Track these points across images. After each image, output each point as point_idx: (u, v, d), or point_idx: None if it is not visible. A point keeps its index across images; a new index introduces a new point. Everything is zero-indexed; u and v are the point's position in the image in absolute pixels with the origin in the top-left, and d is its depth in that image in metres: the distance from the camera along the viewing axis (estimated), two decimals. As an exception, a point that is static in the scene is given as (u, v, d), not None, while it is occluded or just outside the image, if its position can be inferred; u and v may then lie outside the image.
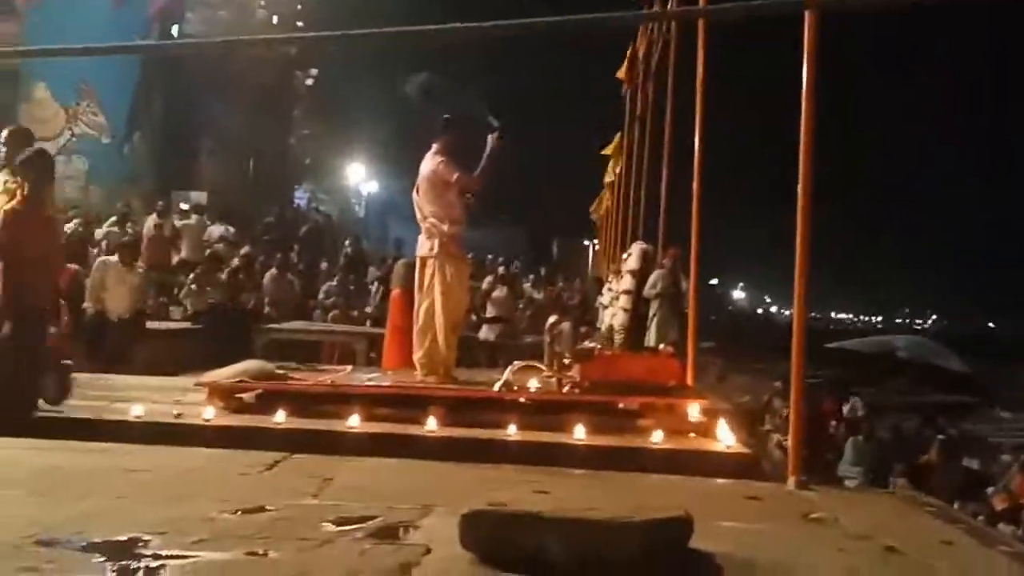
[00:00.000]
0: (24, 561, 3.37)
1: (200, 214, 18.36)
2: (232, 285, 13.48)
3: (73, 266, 10.96)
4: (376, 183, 50.68)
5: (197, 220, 17.70)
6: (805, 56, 5.57)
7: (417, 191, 8.16)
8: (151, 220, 16.56)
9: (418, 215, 8.20)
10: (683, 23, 9.85)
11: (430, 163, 8.04)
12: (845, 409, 16.13)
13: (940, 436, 13.02)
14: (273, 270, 15.40)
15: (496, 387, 7.36)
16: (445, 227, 7.93)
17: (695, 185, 8.49)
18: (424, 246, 8.09)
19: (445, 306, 7.89)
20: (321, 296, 16.60)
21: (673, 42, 10.82)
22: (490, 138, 8.05)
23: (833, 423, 15.30)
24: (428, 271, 8.02)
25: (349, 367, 10.36)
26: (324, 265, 20.05)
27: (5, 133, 7.69)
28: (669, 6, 11.19)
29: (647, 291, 7.90)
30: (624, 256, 9.43)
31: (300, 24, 37.63)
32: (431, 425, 6.58)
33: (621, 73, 15.89)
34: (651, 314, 7.91)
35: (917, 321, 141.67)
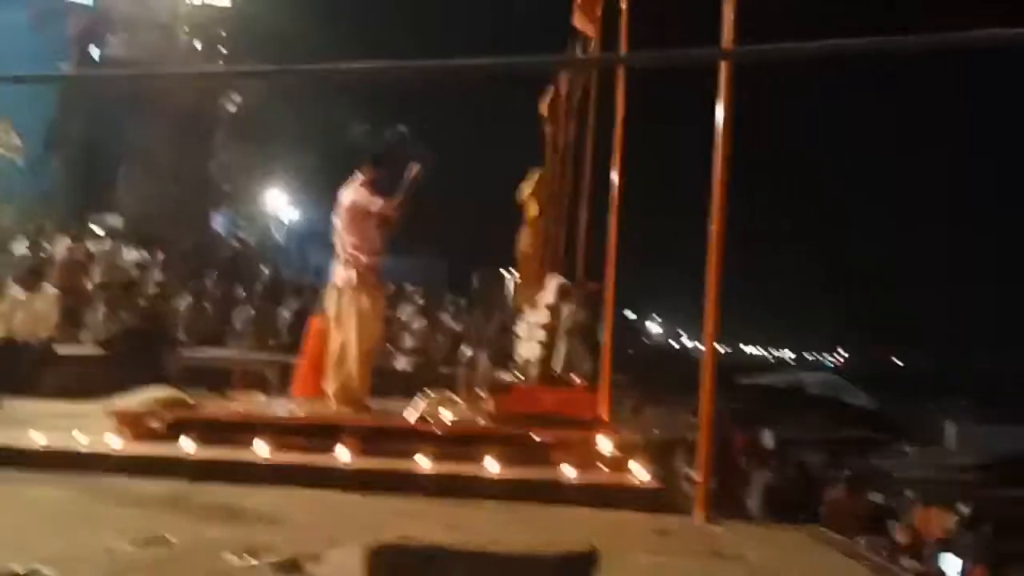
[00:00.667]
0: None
1: (114, 238, 18.05)
2: (150, 310, 13.28)
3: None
4: (297, 211, 50.34)
5: (112, 244, 17.40)
6: (721, 102, 5.70)
7: (337, 220, 8.14)
8: (64, 244, 16.24)
9: (337, 244, 8.17)
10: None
11: (351, 193, 8.03)
12: (759, 441, 16.36)
13: (847, 471, 13.26)
14: (189, 297, 15.18)
15: (411, 418, 7.34)
16: (363, 258, 7.91)
17: (613, 219, 8.59)
18: (340, 275, 8.06)
19: (359, 336, 7.85)
20: (236, 324, 16.38)
21: (594, 80, 10.96)
22: (410, 166, 8.07)
23: (744, 458, 15.49)
24: (344, 300, 7.98)
25: (261, 395, 10.25)
26: (241, 292, 19.80)
27: None
28: (591, 48, 11.34)
29: (562, 324, 7.97)
30: (541, 290, 9.49)
31: (223, 50, 37.38)
32: (343, 455, 6.55)
33: (543, 108, 16.02)
34: (564, 347, 7.94)
35: (825, 354, 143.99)
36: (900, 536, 11.00)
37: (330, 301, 8.16)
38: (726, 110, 5.71)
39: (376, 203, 7.90)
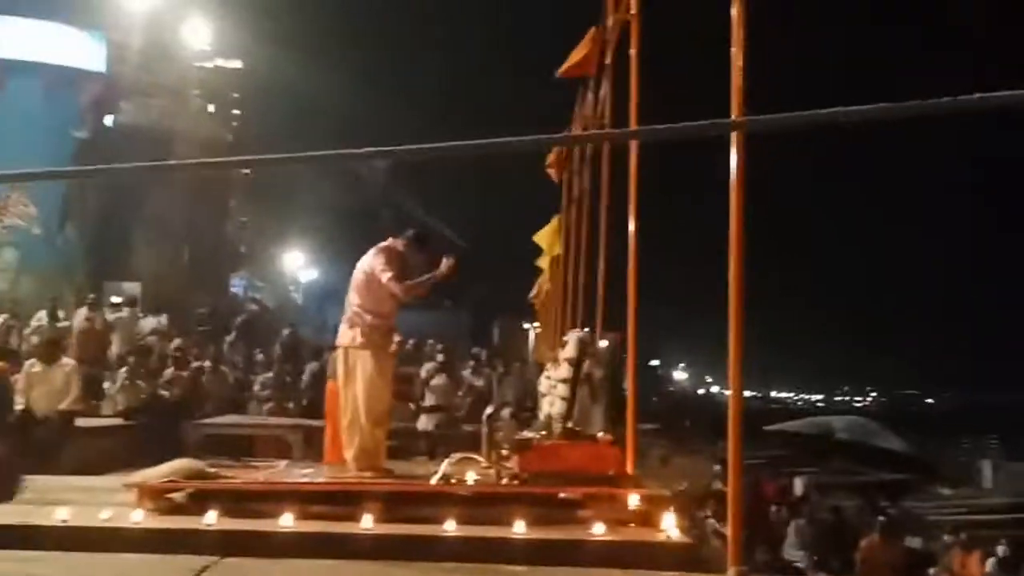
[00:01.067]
0: None
1: (132, 306, 18.08)
2: (169, 379, 13.25)
3: (1, 363, 10.69)
4: (315, 270, 50.56)
5: (129, 313, 17.43)
6: (734, 168, 5.61)
7: (355, 293, 8.09)
8: (82, 313, 16.28)
9: (346, 304, 8.13)
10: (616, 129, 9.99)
11: (370, 259, 7.98)
12: (794, 488, 16.18)
13: (881, 517, 13.04)
14: (207, 363, 15.15)
15: (433, 480, 7.25)
16: (368, 318, 7.85)
17: (631, 267, 8.52)
18: (346, 335, 7.96)
19: (367, 399, 7.76)
20: (256, 388, 16.33)
21: (608, 126, 10.95)
22: (444, 261, 8.05)
23: (775, 507, 15.31)
24: (350, 361, 7.91)
25: (284, 462, 10.16)
26: (259, 356, 19.78)
27: None
28: (601, 94, 11.36)
29: (583, 378, 7.88)
30: (561, 344, 9.41)
31: (237, 112, 37.77)
32: (366, 522, 6.44)
33: (552, 166, 16.11)
34: (586, 401, 7.84)
35: (857, 398, 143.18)
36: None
37: (338, 363, 8.09)
38: (739, 174, 5.62)
39: (389, 278, 7.81)
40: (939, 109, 2.20)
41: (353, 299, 7.97)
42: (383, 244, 8.06)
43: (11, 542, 5.99)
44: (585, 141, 11.02)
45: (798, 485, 16.28)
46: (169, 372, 13.65)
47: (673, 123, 2.61)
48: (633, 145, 8.70)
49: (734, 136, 5.52)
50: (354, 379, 7.83)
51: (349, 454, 7.85)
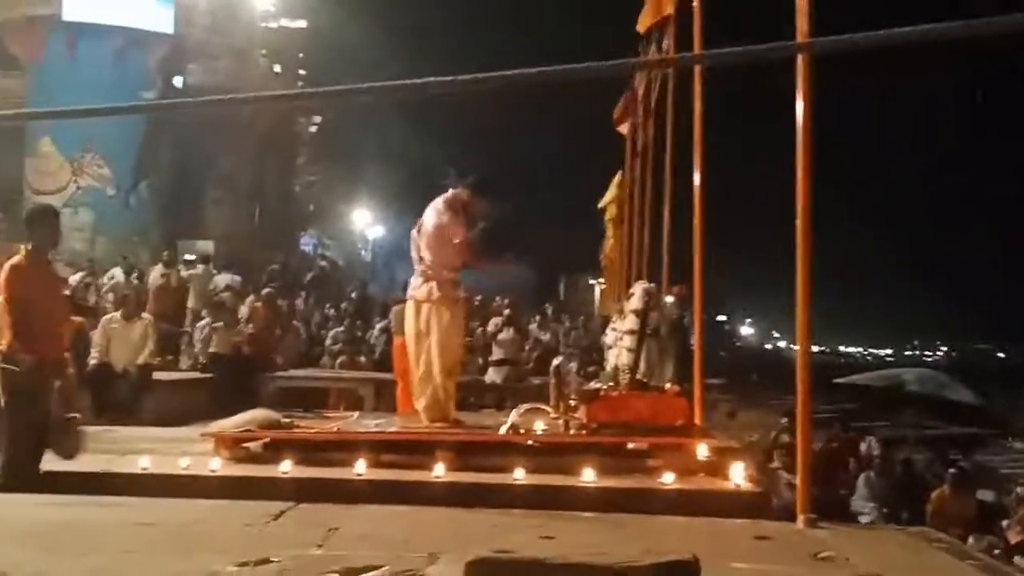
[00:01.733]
0: (28, 620, 3.35)
1: (206, 263, 18.38)
2: (243, 334, 13.50)
3: (78, 319, 10.98)
4: (382, 227, 50.85)
5: (203, 270, 17.73)
6: (800, 96, 5.60)
7: (418, 232, 8.15)
8: (157, 271, 16.61)
9: (414, 256, 8.19)
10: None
11: (437, 215, 7.98)
12: (862, 447, 16.05)
13: (952, 469, 12.89)
14: (280, 318, 15.38)
15: (502, 430, 7.33)
16: (440, 271, 7.90)
17: (697, 221, 8.50)
18: (418, 289, 8.02)
19: (440, 351, 7.83)
20: (328, 343, 16.59)
21: (672, 80, 10.88)
22: (510, 259, 8.06)
23: (845, 460, 15.22)
24: (423, 315, 7.99)
25: (356, 414, 10.34)
26: (331, 311, 20.06)
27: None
28: (664, 46, 11.26)
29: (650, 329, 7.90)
30: (627, 296, 9.43)
31: (303, 72, 37.92)
32: (438, 471, 6.56)
33: (620, 120, 15.99)
34: (653, 352, 7.87)
35: (927, 353, 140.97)
36: (1012, 535, 10.65)
37: (409, 316, 8.16)
38: (805, 105, 5.60)
39: (460, 240, 7.83)
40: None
41: (423, 252, 8.01)
42: (448, 196, 8.02)
43: (94, 489, 6.21)
44: (651, 67, 10.90)
45: (873, 442, 16.14)
46: (244, 327, 13.91)
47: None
48: (698, 95, 8.66)
49: (800, 66, 5.50)
50: (427, 332, 7.91)
51: (420, 405, 7.96)
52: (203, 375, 12.65)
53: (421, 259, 8.04)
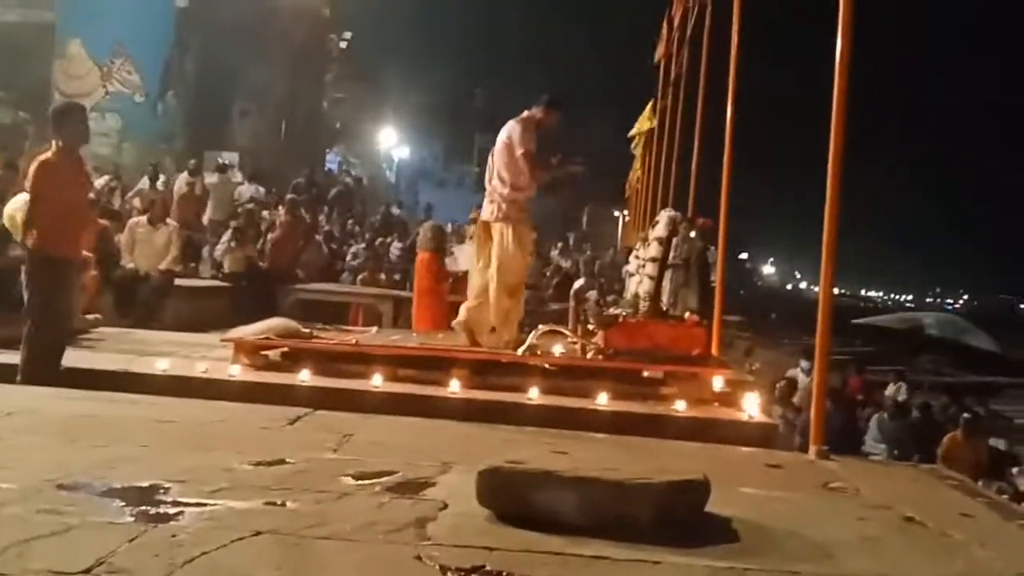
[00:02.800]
0: (45, 503, 3.41)
1: (225, 172, 18.28)
2: (270, 246, 13.55)
3: (103, 222, 11.03)
4: (407, 148, 50.67)
5: (222, 178, 17.66)
6: (840, 29, 5.51)
7: (492, 154, 8.11)
8: (183, 178, 16.61)
9: (487, 177, 8.16)
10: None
11: (509, 129, 7.93)
12: (890, 390, 16.09)
13: (965, 414, 12.90)
14: (303, 231, 15.38)
15: (520, 351, 7.36)
16: (507, 191, 7.81)
17: (726, 156, 8.44)
18: (487, 210, 8.02)
19: (500, 270, 7.77)
20: (349, 259, 16.64)
21: (709, 8, 10.71)
22: (574, 168, 8.00)
23: (860, 398, 15.27)
24: (488, 234, 7.97)
25: (374, 329, 10.41)
26: (355, 228, 20.09)
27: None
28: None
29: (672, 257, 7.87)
30: (653, 223, 9.39)
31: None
32: (453, 387, 6.61)
33: (660, 49, 15.81)
34: (674, 281, 7.85)
35: (948, 301, 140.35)
36: (1021, 482, 10.70)
37: (477, 240, 8.17)
38: (844, 40, 5.51)
39: (522, 153, 7.74)
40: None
41: (493, 170, 7.98)
42: (523, 115, 7.98)
43: (114, 387, 6.29)
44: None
45: (903, 387, 16.20)
46: (267, 238, 13.95)
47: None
48: (735, 25, 8.52)
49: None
50: (490, 251, 7.89)
51: (461, 317, 7.98)
52: (225, 284, 12.71)
53: (490, 181, 8.00)
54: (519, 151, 7.74)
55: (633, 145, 20.51)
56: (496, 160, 7.96)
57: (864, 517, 4.00)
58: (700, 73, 10.64)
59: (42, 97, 22.69)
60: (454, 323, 8.04)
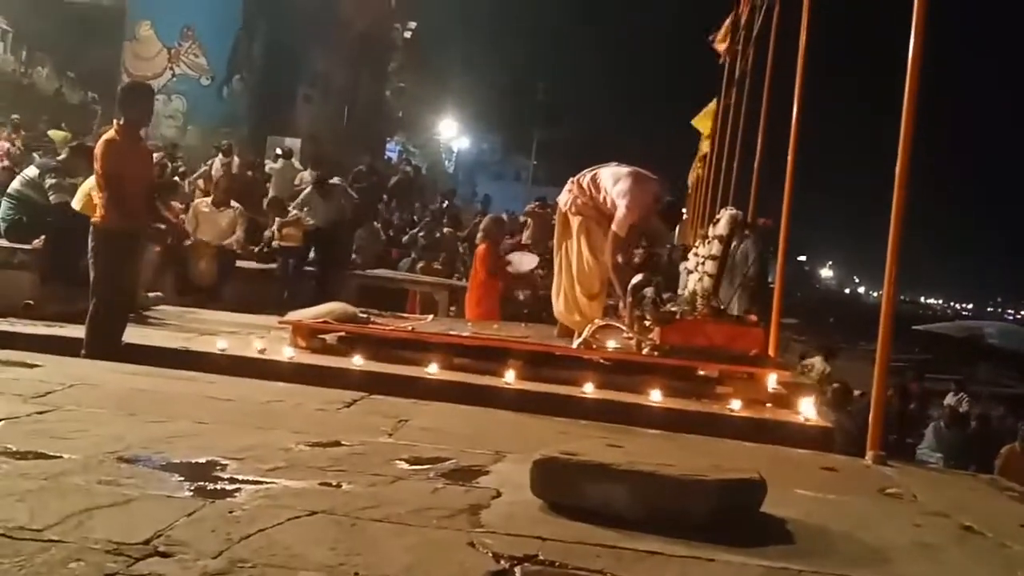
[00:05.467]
0: (105, 475, 3.47)
1: (288, 158, 18.43)
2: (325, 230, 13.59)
3: (178, 204, 11.18)
4: (467, 140, 50.82)
5: (285, 164, 17.80)
6: (913, 31, 5.42)
7: (593, 182, 7.85)
8: (218, 160, 16.80)
9: (573, 181, 8.00)
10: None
11: (625, 187, 7.60)
12: (950, 399, 15.85)
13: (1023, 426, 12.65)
14: (362, 218, 15.48)
15: (575, 344, 7.34)
16: (589, 204, 7.77)
17: (790, 157, 8.33)
18: (564, 198, 7.98)
19: (579, 272, 7.82)
20: (407, 245, 16.73)
21: (777, 8, 10.59)
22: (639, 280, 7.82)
23: (918, 406, 15.06)
24: (566, 227, 7.95)
25: (430, 316, 10.45)
26: (413, 217, 20.18)
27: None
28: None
29: (747, 268, 7.81)
30: (713, 221, 9.31)
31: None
32: (508, 377, 6.61)
33: (721, 42, 15.65)
34: (734, 280, 7.79)
35: (1008, 311, 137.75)
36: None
37: (558, 228, 8.14)
38: (916, 44, 5.42)
39: (615, 228, 7.56)
40: None
41: (596, 187, 7.80)
42: (645, 182, 7.73)
43: (173, 364, 6.38)
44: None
45: (964, 397, 15.93)
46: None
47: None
48: (804, 25, 8.42)
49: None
50: (566, 250, 7.92)
51: (556, 311, 8.06)
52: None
53: (582, 182, 7.88)
54: (613, 226, 7.57)
55: (701, 143, 20.39)
56: (602, 185, 7.76)
57: (921, 524, 3.95)
58: (765, 72, 10.53)
59: (111, 78, 23.07)
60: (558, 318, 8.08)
